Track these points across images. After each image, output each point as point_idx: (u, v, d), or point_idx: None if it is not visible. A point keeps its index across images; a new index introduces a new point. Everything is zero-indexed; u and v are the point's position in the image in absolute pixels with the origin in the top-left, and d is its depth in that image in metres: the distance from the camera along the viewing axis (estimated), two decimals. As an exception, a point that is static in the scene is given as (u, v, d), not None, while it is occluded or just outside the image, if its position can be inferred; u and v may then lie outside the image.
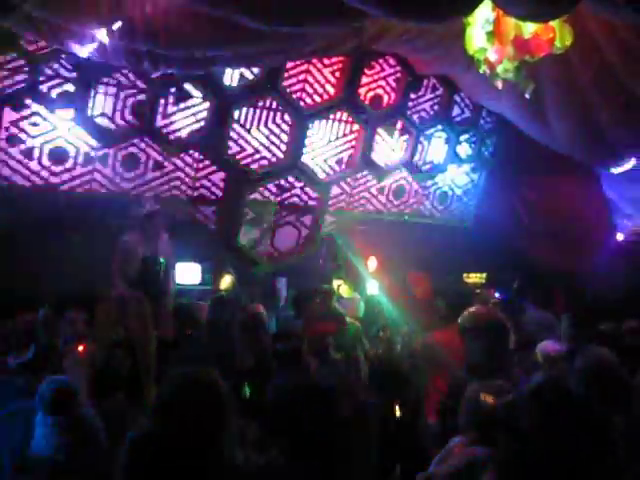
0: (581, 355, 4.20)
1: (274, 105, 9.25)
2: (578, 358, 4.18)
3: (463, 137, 10.95)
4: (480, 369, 4.15)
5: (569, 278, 10.72)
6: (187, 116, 8.87)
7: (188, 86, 8.69)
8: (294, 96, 9.22)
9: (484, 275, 12.07)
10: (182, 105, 8.80)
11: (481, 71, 5.64)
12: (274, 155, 9.48)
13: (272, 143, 9.44)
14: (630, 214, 10.68)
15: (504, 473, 2.63)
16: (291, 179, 9.76)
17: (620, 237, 10.93)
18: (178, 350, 6.18)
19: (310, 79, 9.28)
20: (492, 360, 4.14)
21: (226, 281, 10.24)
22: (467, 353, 4.49)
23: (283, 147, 9.46)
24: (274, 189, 9.77)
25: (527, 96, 6.12)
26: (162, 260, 7.22)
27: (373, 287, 10.57)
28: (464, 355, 4.58)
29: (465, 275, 12.12)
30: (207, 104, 8.85)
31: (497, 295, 8.95)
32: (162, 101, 8.67)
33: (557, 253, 10.65)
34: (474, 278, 12.10)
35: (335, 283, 10.24)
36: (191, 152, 9.09)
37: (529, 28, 5.41)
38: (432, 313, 7.28)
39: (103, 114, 8.45)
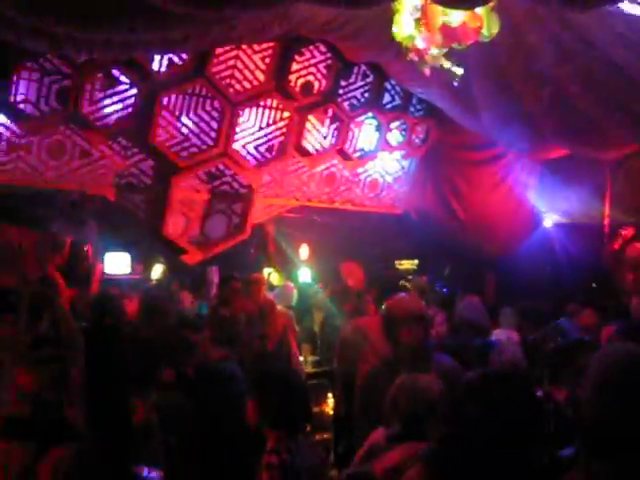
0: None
1: (203, 92, 9.10)
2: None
3: (394, 124, 10.98)
4: (405, 358, 4.16)
5: (499, 264, 10.89)
6: (114, 102, 8.66)
7: (115, 72, 8.50)
8: (223, 82, 9.08)
9: (416, 262, 12.18)
10: (109, 91, 8.59)
11: (409, 58, 5.64)
12: (204, 142, 9.34)
13: (201, 130, 9.29)
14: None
15: (439, 460, 2.61)
16: (221, 166, 9.64)
17: (548, 224, 11.14)
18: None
19: (239, 65, 9.15)
20: (417, 349, 4.16)
21: (157, 270, 10.14)
22: (392, 342, 4.49)
23: (213, 134, 9.33)
24: (204, 177, 9.64)
25: (455, 84, 6.15)
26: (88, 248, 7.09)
27: (305, 275, 10.57)
28: (388, 343, 4.59)
29: (397, 262, 12.22)
30: (135, 90, 8.66)
31: (437, 286, 9.07)
32: (88, 87, 8.44)
33: (486, 240, 10.80)
34: (406, 265, 12.21)
35: (266, 271, 10.22)
36: (119, 139, 8.88)
37: (457, 16, 5.43)
38: (360, 302, 7.33)
39: (26, 100, 8.18)
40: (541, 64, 7.21)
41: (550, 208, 11.02)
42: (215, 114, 9.27)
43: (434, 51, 5.61)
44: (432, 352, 4.44)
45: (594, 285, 10.08)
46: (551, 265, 10.61)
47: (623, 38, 6.21)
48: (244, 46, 8.98)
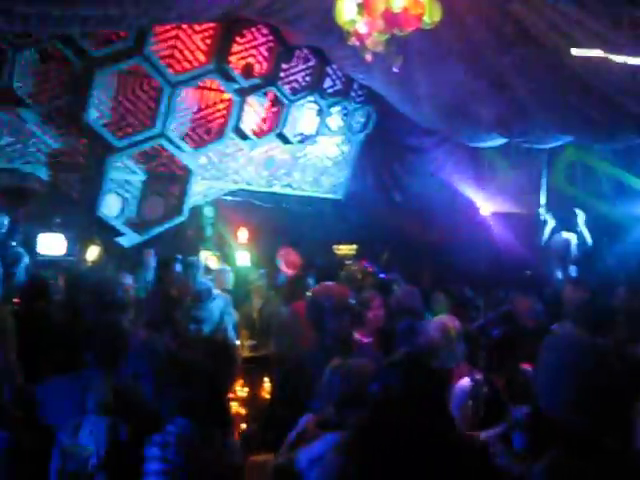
0: None
1: (141, 71, 8.91)
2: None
3: (334, 109, 10.96)
4: (331, 347, 4.17)
5: (436, 251, 10.99)
6: (47, 79, 8.42)
7: (48, 47, 8.24)
8: (162, 62, 8.90)
9: (354, 247, 12.21)
10: (42, 67, 8.34)
11: (350, 43, 5.60)
12: (140, 122, 9.16)
13: (138, 110, 9.11)
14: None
15: (365, 446, 2.61)
16: (158, 147, 9.48)
17: (485, 213, 11.29)
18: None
19: (179, 45, 8.99)
20: (342, 339, 4.17)
21: (93, 252, 9.92)
22: (318, 330, 4.48)
23: (149, 114, 9.16)
24: (140, 157, 9.47)
25: (396, 70, 6.14)
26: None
27: (243, 258, 10.50)
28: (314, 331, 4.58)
29: (335, 246, 12.22)
30: (69, 67, 8.43)
31: (371, 268, 9.09)
32: (21, 62, 8.17)
33: (423, 227, 10.90)
34: (344, 250, 12.22)
35: (203, 254, 10.11)
36: (52, 117, 8.64)
37: (399, 2, 5.41)
38: (298, 286, 7.32)
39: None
40: (482, 53, 7.26)
41: (487, 197, 11.18)
42: (153, 94, 9.10)
43: (375, 37, 5.59)
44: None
45: (528, 273, 10.25)
46: (487, 253, 10.76)
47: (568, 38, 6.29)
48: (184, 26, 8.82)
